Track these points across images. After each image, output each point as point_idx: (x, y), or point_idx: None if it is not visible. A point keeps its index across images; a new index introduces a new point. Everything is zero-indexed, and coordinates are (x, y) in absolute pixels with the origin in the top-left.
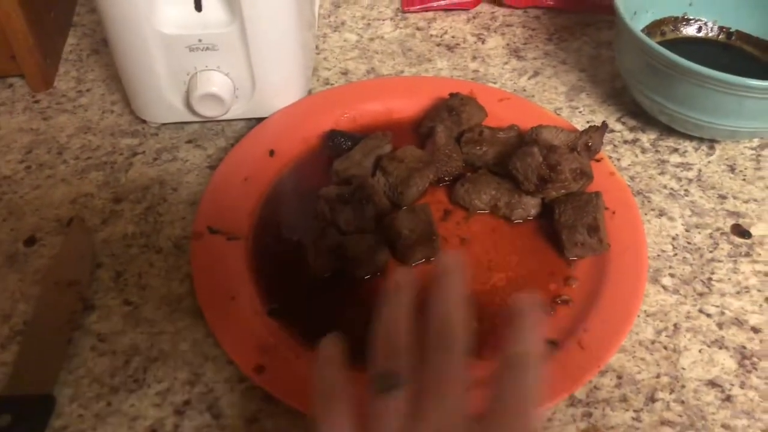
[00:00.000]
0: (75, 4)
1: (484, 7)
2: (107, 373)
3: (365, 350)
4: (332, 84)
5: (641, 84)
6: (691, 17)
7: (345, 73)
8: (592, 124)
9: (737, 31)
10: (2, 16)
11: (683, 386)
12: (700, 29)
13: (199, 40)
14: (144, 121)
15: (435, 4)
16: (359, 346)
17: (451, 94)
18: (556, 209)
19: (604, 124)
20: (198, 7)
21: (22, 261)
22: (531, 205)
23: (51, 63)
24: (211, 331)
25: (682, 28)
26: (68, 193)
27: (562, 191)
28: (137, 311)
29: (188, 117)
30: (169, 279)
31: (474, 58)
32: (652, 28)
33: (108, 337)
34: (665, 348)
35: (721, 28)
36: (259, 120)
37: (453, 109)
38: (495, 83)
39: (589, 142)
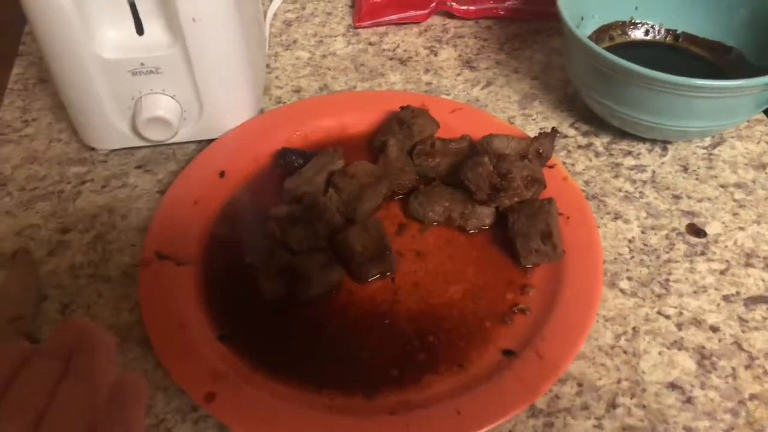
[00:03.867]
0: (21, 33)
1: (436, 20)
2: None
3: (316, 371)
4: (284, 102)
5: (591, 89)
6: (638, 21)
7: (297, 90)
8: (545, 131)
9: (684, 32)
10: None
11: (644, 390)
12: (647, 32)
13: (142, 64)
14: (92, 149)
15: (386, 18)
16: (312, 368)
17: (402, 107)
18: (510, 218)
19: (554, 130)
20: (139, 30)
21: None
22: (485, 215)
23: None
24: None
25: (630, 32)
26: (13, 226)
27: (515, 199)
28: None
29: (137, 142)
30: (118, 309)
31: (427, 70)
32: (601, 33)
33: None
34: (625, 352)
35: (668, 31)
36: (210, 142)
37: (404, 121)
38: (448, 95)
39: (540, 149)
